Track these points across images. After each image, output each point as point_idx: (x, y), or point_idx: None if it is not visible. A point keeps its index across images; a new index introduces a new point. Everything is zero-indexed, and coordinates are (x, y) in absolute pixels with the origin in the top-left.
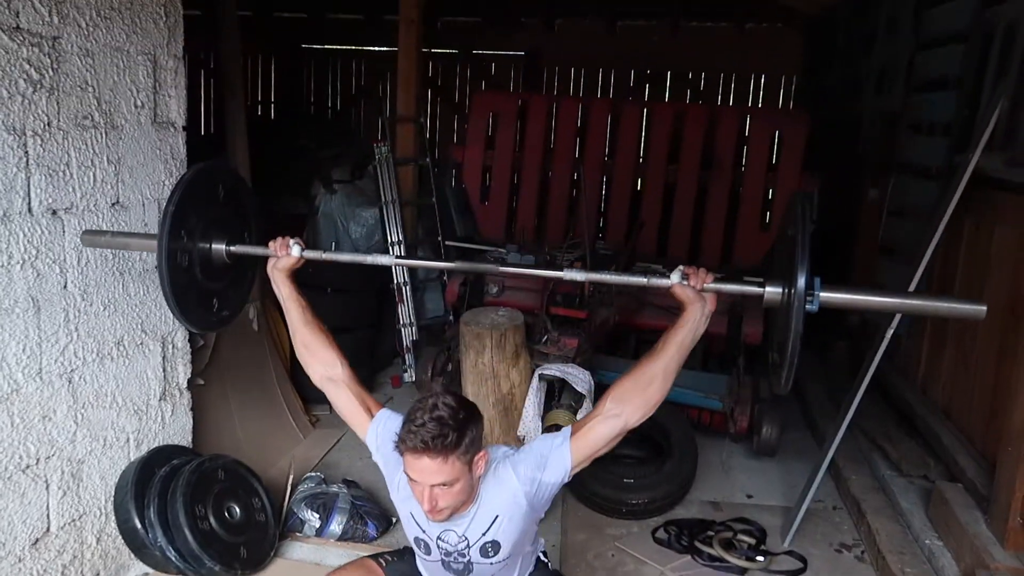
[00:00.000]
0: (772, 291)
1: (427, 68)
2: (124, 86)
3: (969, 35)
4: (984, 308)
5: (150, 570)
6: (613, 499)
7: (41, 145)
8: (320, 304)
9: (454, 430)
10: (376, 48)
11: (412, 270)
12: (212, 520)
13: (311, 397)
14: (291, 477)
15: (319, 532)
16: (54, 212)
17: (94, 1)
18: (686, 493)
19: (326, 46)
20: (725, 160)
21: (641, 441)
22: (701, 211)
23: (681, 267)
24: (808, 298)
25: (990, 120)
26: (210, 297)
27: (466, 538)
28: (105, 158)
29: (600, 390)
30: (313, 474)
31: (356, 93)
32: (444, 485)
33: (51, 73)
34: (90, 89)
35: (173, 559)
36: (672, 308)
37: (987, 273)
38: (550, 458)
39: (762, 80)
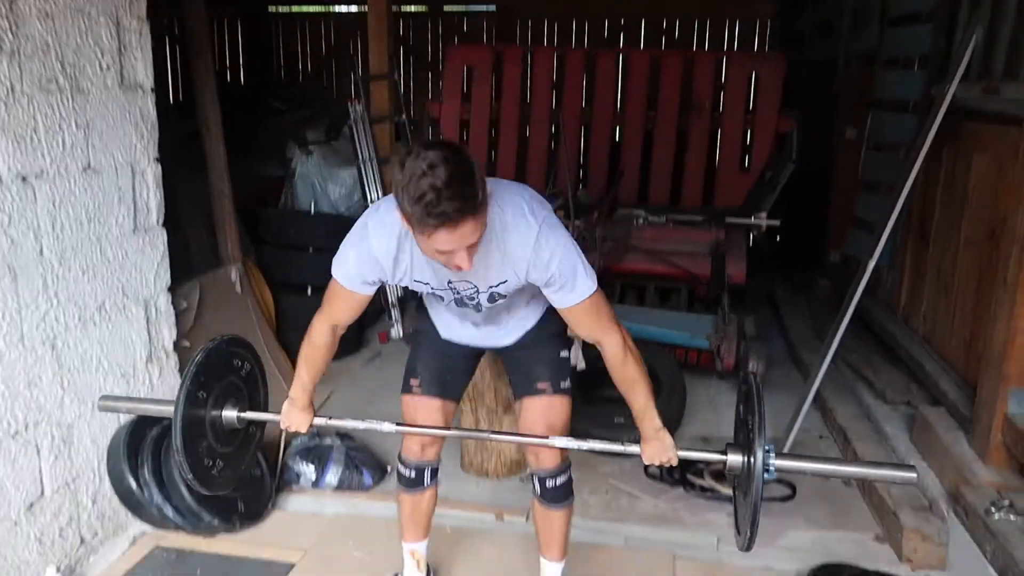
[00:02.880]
0: (734, 459)
1: (398, 28)
2: (88, 48)
3: None
4: (915, 475)
5: (149, 528)
6: (605, 438)
7: (6, 110)
8: (303, 264)
9: (471, 184)
10: (345, 10)
11: None
12: None
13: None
14: (284, 433)
15: (315, 483)
16: (24, 179)
17: None
18: (676, 430)
19: (293, 8)
20: (703, 104)
21: None
22: (681, 156)
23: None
24: (766, 468)
25: (966, 50)
26: (214, 460)
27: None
28: (73, 122)
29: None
30: None
31: (327, 55)
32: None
33: (11, 36)
34: (52, 52)
35: (171, 516)
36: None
37: (966, 201)
38: (551, 284)
39: (737, 25)
